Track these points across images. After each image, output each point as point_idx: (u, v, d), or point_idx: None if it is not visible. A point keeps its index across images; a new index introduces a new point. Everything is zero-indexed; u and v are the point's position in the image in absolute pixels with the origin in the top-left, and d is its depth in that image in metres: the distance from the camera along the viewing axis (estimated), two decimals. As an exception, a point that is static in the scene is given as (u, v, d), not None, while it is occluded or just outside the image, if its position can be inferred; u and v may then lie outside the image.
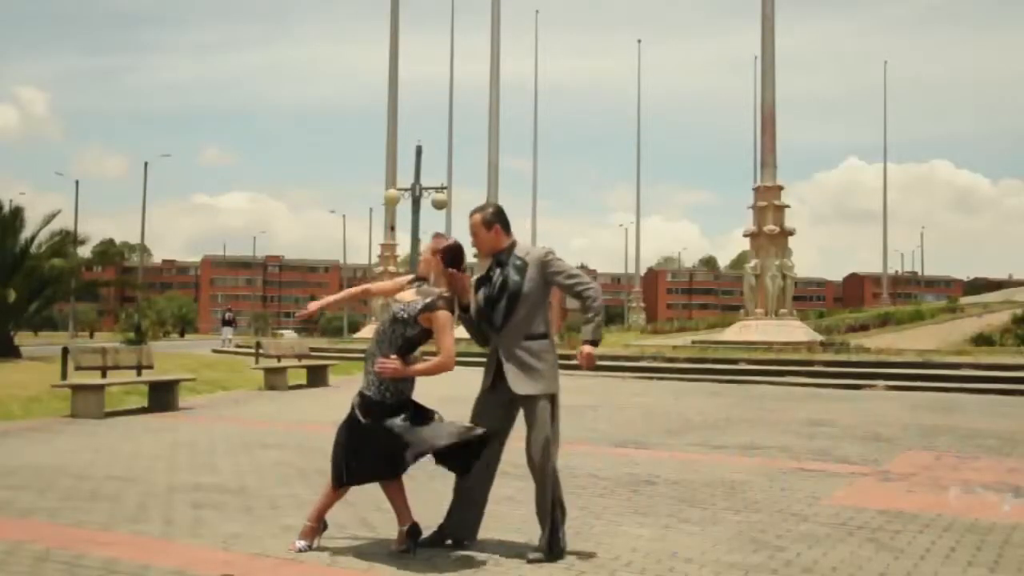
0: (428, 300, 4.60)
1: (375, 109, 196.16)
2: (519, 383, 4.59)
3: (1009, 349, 24.32)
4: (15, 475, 6.91)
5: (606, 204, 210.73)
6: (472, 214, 4.82)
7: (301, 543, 4.70)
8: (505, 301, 4.63)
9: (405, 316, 4.61)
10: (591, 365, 4.68)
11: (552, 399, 4.65)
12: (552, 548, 4.59)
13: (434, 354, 4.60)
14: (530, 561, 4.49)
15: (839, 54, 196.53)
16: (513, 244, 4.80)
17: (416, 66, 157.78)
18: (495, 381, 4.68)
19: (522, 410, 4.66)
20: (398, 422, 4.54)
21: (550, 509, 4.61)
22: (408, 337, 4.60)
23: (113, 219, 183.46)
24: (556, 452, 4.66)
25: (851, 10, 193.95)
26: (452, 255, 4.71)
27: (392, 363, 4.55)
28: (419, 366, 4.64)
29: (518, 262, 4.70)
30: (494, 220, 4.78)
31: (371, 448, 4.57)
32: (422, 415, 4.63)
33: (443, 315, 4.57)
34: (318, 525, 4.77)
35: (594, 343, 4.70)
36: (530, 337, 4.63)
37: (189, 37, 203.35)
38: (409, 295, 4.69)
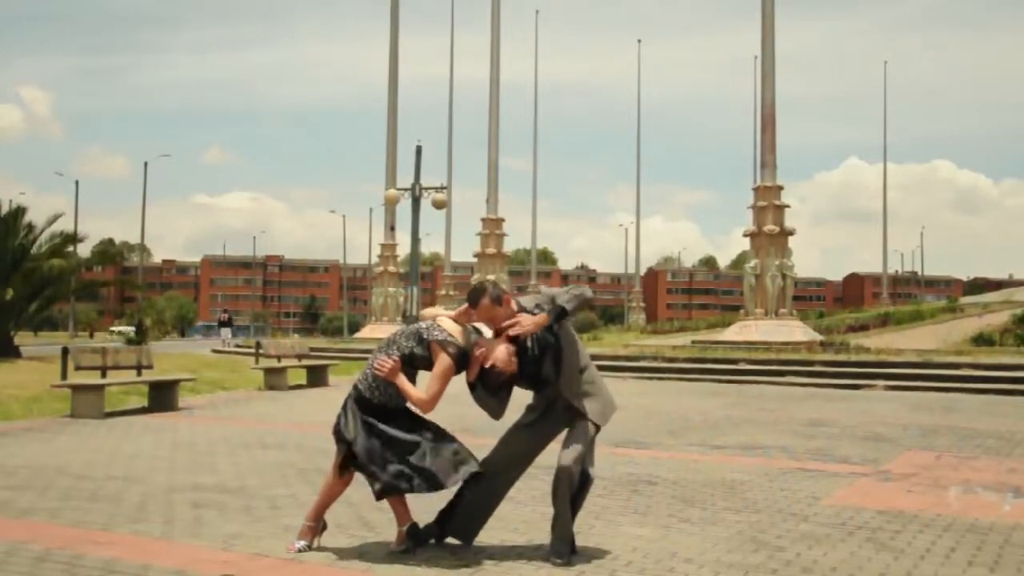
0: (444, 337, 4.56)
1: (375, 109, 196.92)
2: (598, 415, 4.66)
3: (1009, 349, 24.28)
4: (15, 475, 6.91)
5: (606, 204, 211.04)
6: (476, 301, 4.59)
7: (300, 543, 4.70)
8: (551, 353, 4.60)
9: (423, 335, 4.61)
10: (524, 328, 4.50)
11: (597, 429, 4.70)
12: (573, 548, 4.64)
13: None
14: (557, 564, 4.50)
15: (839, 54, 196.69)
16: (518, 305, 4.74)
17: (416, 66, 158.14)
18: (541, 416, 4.72)
19: (569, 424, 4.68)
20: (390, 434, 4.55)
21: (567, 516, 4.61)
22: (415, 354, 4.60)
23: (114, 219, 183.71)
24: (590, 461, 4.69)
25: (851, 10, 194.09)
26: (492, 374, 4.60)
27: (389, 363, 4.55)
28: (407, 384, 4.59)
29: (536, 312, 4.64)
30: (501, 293, 4.66)
31: (364, 443, 4.59)
32: (408, 441, 4.62)
33: (445, 360, 4.53)
34: (317, 525, 4.77)
35: (560, 312, 4.52)
36: (583, 370, 4.69)
37: (189, 37, 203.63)
38: (453, 326, 4.65)
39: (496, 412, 4.70)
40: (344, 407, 4.71)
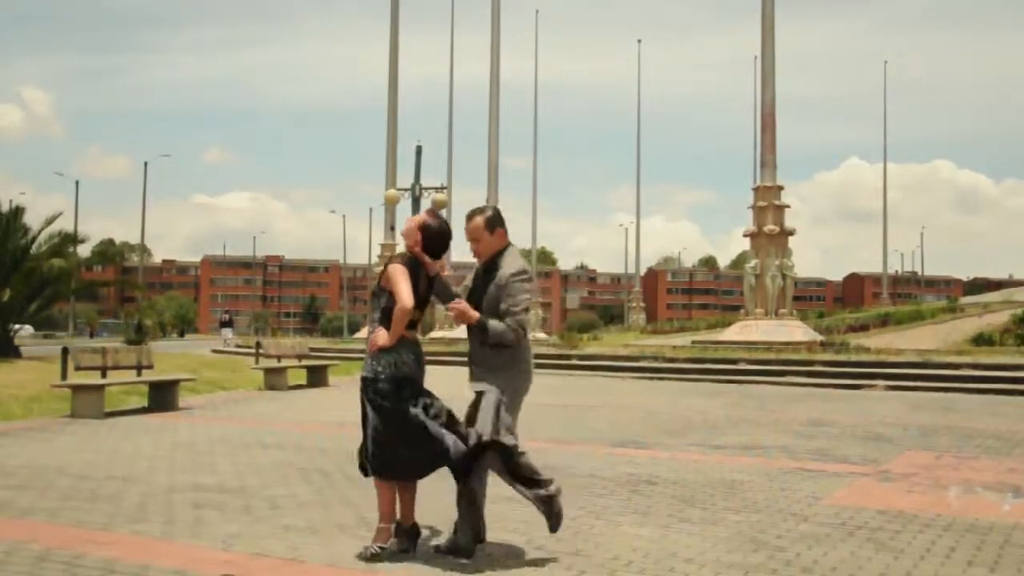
0: (385, 263, 4.63)
1: (375, 109, 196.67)
2: (475, 381, 4.54)
3: (1009, 349, 24.31)
4: (15, 475, 6.91)
5: (606, 204, 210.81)
6: (471, 217, 4.58)
7: (374, 547, 4.55)
8: (476, 304, 4.54)
9: (375, 287, 4.67)
10: (458, 315, 4.47)
11: (502, 396, 4.49)
12: (480, 538, 4.57)
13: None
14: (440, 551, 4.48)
15: (839, 54, 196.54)
16: (508, 247, 4.63)
17: (416, 66, 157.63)
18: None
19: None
20: (419, 414, 4.49)
21: (467, 501, 4.52)
22: (385, 308, 4.58)
23: (114, 219, 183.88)
24: (504, 438, 4.49)
25: (851, 10, 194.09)
26: (431, 238, 4.60)
27: (376, 335, 4.54)
28: (391, 327, 4.50)
29: (499, 270, 4.54)
30: (497, 223, 4.58)
31: (397, 439, 4.50)
32: (432, 407, 4.59)
33: (392, 267, 4.56)
34: (389, 527, 4.62)
35: (482, 328, 4.43)
36: (494, 344, 4.48)
37: (189, 37, 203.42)
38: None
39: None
40: (363, 405, 4.64)
